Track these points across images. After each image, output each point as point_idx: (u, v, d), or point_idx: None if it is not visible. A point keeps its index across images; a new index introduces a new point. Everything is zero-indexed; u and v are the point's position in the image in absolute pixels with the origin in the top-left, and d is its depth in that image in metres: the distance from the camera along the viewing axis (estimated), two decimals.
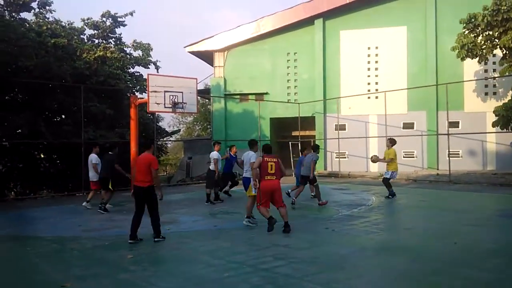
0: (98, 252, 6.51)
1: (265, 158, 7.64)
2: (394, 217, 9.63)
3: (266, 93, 23.96)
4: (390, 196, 11.96)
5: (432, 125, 21.06)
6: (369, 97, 22.13)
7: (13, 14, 17.30)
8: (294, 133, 24.46)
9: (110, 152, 10.95)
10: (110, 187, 10.74)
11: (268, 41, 23.92)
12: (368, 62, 22.45)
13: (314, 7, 22.64)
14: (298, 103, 22.93)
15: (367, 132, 21.89)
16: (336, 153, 22.25)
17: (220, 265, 5.59)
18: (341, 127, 22.22)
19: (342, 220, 8.82)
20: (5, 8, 17.27)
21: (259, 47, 24.08)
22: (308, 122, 23.44)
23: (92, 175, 11.30)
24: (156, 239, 7.02)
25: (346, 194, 13.45)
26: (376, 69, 22.32)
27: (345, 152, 22.16)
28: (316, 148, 11.65)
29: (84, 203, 11.45)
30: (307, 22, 23.04)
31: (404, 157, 20.72)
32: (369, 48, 22.45)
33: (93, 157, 11.33)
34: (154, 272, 5.41)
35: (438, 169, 20.22)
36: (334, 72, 22.88)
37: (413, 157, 21.16)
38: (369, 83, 22.40)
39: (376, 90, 22.01)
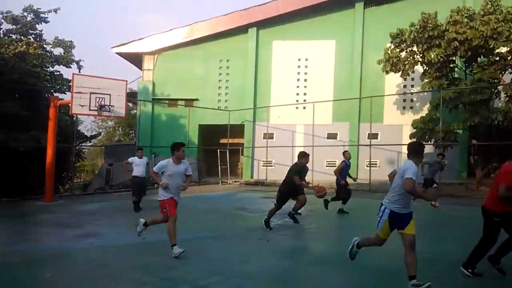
0: (11, 271, 5.75)
1: None
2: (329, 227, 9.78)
3: (196, 99, 23.58)
4: None
5: (353, 135, 21.95)
6: (297, 107, 22.65)
7: None
8: (223, 141, 24.25)
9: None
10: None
11: (201, 46, 23.65)
12: (298, 73, 23.01)
13: (249, 16, 22.77)
14: (229, 111, 22.83)
15: (294, 141, 22.33)
16: (263, 161, 22.42)
17: (151, 283, 5.22)
18: (270, 136, 22.50)
19: (276, 229, 8.80)
20: None
21: (191, 52, 23.70)
22: (237, 129, 23.41)
23: None
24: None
25: (272, 203, 13.31)
26: (305, 80, 22.94)
27: (271, 161, 22.36)
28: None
29: None
30: (242, 30, 23.16)
31: (327, 166, 21.39)
32: (299, 60, 23.01)
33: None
34: None
35: (357, 178, 21.04)
36: (265, 81, 23.17)
37: (335, 166, 21.83)
38: (297, 94, 22.96)
39: (304, 100, 22.61)
